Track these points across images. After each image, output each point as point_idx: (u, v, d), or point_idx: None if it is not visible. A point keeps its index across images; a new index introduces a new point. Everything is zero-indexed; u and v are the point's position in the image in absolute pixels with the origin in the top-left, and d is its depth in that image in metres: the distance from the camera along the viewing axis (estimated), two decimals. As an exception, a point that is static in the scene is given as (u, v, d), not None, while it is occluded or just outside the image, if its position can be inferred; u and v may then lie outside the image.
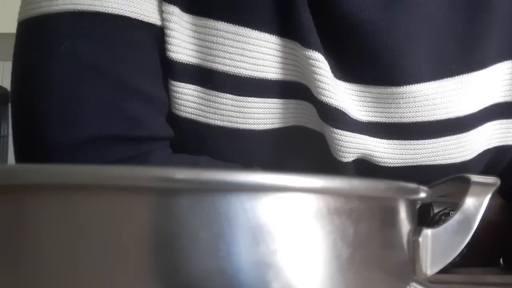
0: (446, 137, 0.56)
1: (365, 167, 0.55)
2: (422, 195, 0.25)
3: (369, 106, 0.55)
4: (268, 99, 0.53)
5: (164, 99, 0.52)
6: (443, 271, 0.27)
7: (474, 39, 0.56)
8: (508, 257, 0.65)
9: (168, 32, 0.51)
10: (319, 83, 0.51)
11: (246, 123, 0.53)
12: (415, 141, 0.55)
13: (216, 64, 0.52)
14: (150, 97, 0.51)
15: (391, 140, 0.55)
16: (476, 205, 0.28)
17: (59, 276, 0.19)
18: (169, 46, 0.51)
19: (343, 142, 0.53)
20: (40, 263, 0.19)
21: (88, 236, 0.19)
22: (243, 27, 0.52)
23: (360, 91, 0.54)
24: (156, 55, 0.51)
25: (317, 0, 0.52)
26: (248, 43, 0.52)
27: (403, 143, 0.55)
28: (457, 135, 0.56)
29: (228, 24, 0.51)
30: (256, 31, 0.52)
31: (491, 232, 0.61)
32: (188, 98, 0.52)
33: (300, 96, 0.54)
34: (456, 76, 0.55)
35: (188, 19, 0.52)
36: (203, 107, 0.53)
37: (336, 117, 0.52)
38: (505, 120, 0.59)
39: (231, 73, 0.52)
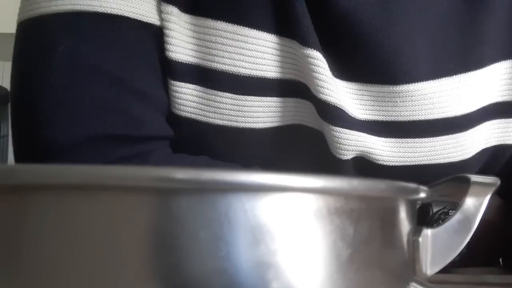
0: (444, 136, 0.56)
1: (364, 167, 0.55)
2: (422, 195, 0.25)
3: (367, 104, 0.55)
4: (267, 97, 0.53)
5: (163, 99, 0.52)
6: (443, 271, 0.27)
7: (472, 38, 0.56)
8: (508, 257, 0.65)
9: (167, 32, 0.51)
10: (318, 81, 0.51)
11: (245, 122, 0.53)
12: (412, 139, 0.55)
13: (215, 64, 0.52)
14: (150, 97, 0.51)
15: (389, 138, 0.55)
16: (476, 205, 0.28)
17: (59, 276, 0.19)
18: (168, 46, 0.51)
19: (342, 140, 0.53)
20: (40, 263, 0.19)
21: (88, 236, 0.19)
22: (241, 27, 0.52)
23: (358, 89, 0.55)
24: (155, 55, 0.51)
25: None
26: (247, 42, 0.52)
27: (400, 141, 0.55)
28: (455, 134, 0.56)
29: (227, 23, 0.51)
30: (255, 30, 0.52)
31: (490, 232, 0.61)
32: (188, 98, 0.52)
33: (299, 95, 0.54)
34: (454, 76, 0.55)
35: (187, 19, 0.52)
36: (203, 106, 0.53)
37: (334, 115, 0.52)
38: (503, 119, 0.59)
39: (230, 72, 0.52)
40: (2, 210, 0.19)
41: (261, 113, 0.54)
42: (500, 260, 0.66)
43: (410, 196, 0.25)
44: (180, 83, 0.52)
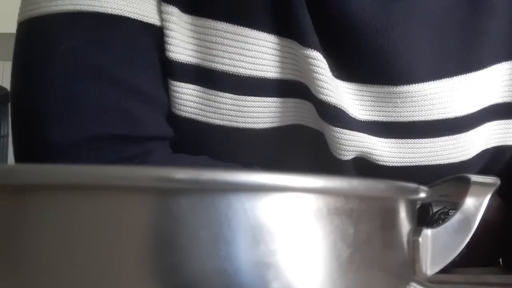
0: (444, 137, 0.56)
1: (364, 167, 0.55)
2: (422, 195, 0.25)
3: (367, 105, 0.55)
4: (268, 98, 0.53)
5: (164, 99, 0.52)
6: (443, 271, 0.27)
7: (473, 39, 0.56)
8: (507, 257, 0.65)
9: (167, 32, 0.51)
10: (318, 81, 0.51)
11: (246, 122, 0.53)
12: (412, 140, 0.55)
13: (215, 64, 0.52)
14: (150, 97, 0.51)
15: (389, 139, 0.55)
16: (476, 205, 0.28)
17: (59, 276, 0.19)
18: (168, 46, 0.51)
19: (342, 140, 0.53)
20: (40, 263, 0.19)
21: (88, 236, 0.19)
22: (242, 27, 0.52)
23: (358, 90, 0.55)
24: (155, 55, 0.51)
25: None
26: (247, 42, 0.52)
27: (400, 142, 0.55)
28: (455, 135, 0.56)
29: (227, 24, 0.51)
30: (255, 30, 0.52)
31: (490, 232, 0.61)
32: (188, 98, 0.52)
33: (299, 95, 0.54)
34: (455, 77, 0.55)
35: (187, 19, 0.52)
36: (203, 106, 0.53)
37: (335, 116, 0.52)
38: (503, 120, 0.59)
39: (231, 73, 0.52)
40: (2, 210, 0.19)
41: (261, 113, 0.54)
42: (500, 260, 0.66)
43: (410, 196, 0.25)
44: (180, 83, 0.52)
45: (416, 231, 0.26)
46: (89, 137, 0.48)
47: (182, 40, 0.51)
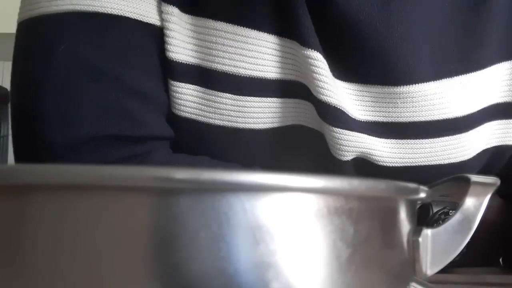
0: (445, 137, 0.56)
1: (364, 167, 0.55)
2: (422, 195, 0.25)
3: (367, 105, 0.55)
4: (268, 98, 0.53)
5: (164, 99, 0.52)
6: (443, 271, 0.27)
7: (473, 39, 0.56)
8: (508, 257, 0.65)
9: (167, 32, 0.51)
10: (318, 82, 0.51)
11: (245, 123, 0.53)
12: (413, 140, 0.55)
13: (215, 64, 0.52)
14: (150, 97, 0.51)
15: (389, 140, 0.55)
16: (476, 205, 0.28)
17: (58, 276, 0.19)
18: (168, 46, 0.51)
19: (342, 141, 0.53)
20: (40, 263, 0.19)
21: (88, 236, 0.19)
22: (242, 27, 0.52)
23: (358, 90, 0.55)
24: (155, 55, 0.51)
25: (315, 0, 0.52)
26: (247, 43, 0.52)
27: (401, 142, 0.55)
28: (456, 135, 0.56)
29: (227, 24, 0.51)
30: (255, 31, 0.52)
31: (491, 232, 0.61)
32: (188, 98, 0.52)
33: (300, 95, 0.54)
34: (455, 77, 0.55)
35: (188, 20, 0.52)
36: (203, 106, 0.53)
37: (335, 116, 0.52)
38: (504, 120, 0.59)
39: (231, 73, 0.52)
40: (2, 210, 0.19)
41: (261, 113, 0.54)
42: (500, 260, 0.66)
43: (410, 196, 0.25)
44: (180, 83, 0.52)
45: (416, 231, 0.26)
46: (89, 137, 0.48)
47: (182, 40, 0.51)
